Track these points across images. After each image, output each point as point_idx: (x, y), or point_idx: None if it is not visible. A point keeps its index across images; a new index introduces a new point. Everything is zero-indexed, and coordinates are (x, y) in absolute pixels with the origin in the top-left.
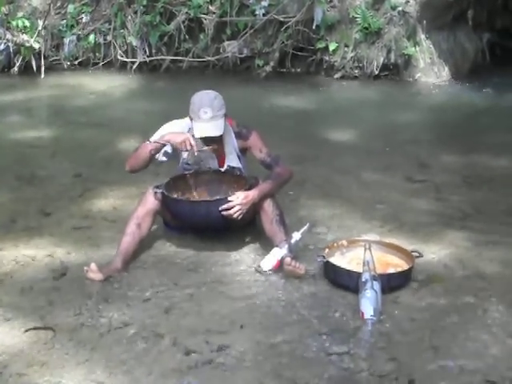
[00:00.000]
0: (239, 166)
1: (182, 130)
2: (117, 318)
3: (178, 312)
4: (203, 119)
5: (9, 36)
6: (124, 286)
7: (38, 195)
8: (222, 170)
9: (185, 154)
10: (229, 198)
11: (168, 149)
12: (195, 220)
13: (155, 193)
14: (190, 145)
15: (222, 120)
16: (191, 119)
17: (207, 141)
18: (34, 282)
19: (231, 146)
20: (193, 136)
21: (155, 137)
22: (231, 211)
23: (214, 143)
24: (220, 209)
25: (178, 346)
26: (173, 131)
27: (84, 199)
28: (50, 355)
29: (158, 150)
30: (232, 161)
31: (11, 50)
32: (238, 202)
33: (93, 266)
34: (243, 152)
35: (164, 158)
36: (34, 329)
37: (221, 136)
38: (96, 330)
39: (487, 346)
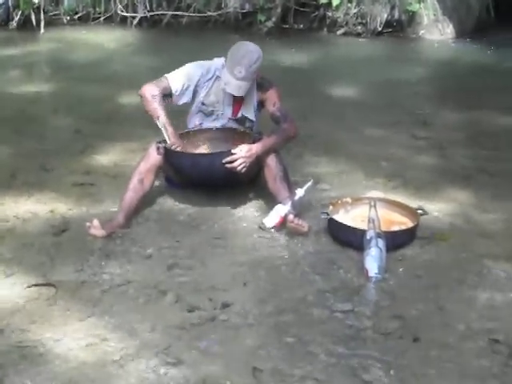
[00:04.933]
0: (252, 118)
1: (203, 72)
2: (119, 275)
3: (180, 269)
4: (234, 76)
5: None
6: (126, 242)
7: (39, 151)
8: (234, 118)
9: (203, 93)
10: (232, 151)
11: (189, 90)
12: (198, 173)
13: (158, 148)
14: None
15: (250, 83)
16: (223, 65)
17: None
18: (35, 238)
19: (251, 97)
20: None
21: (174, 74)
22: (234, 164)
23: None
24: (223, 161)
25: (180, 303)
26: (176, 135)
27: (85, 155)
28: (52, 311)
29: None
30: (248, 111)
31: (10, 4)
32: (241, 154)
33: (95, 222)
34: (260, 105)
35: (184, 100)
36: (36, 285)
37: None
38: (98, 286)
39: (492, 305)
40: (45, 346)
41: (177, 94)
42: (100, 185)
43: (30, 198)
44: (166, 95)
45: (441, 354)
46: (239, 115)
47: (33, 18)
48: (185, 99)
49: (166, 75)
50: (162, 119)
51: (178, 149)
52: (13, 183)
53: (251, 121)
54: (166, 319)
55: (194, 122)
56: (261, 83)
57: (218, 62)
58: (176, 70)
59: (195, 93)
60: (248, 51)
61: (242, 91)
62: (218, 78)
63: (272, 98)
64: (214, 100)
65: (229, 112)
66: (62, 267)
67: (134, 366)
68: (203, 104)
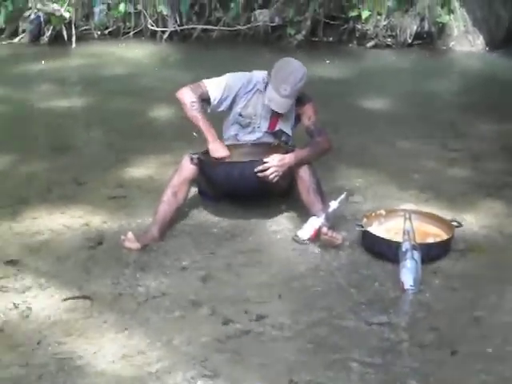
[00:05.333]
0: (289, 132)
1: (244, 82)
2: (154, 287)
3: (215, 281)
4: (280, 93)
5: (39, 5)
6: (161, 254)
7: (73, 165)
8: (270, 131)
9: (241, 104)
10: (264, 160)
11: (228, 100)
12: (230, 183)
13: (191, 158)
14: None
15: (294, 100)
16: (268, 81)
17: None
18: (71, 251)
19: (290, 111)
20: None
21: (213, 82)
22: (267, 172)
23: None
24: (255, 170)
25: (216, 315)
26: (220, 143)
27: (118, 168)
28: (89, 324)
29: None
30: (285, 126)
31: (42, 20)
32: (273, 163)
33: (130, 234)
34: (297, 119)
35: (221, 109)
36: (72, 298)
37: None
38: (134, 298)
39: None
40: (82, 358)
41: (215, 102)
42: (134, 198)
43: (64, 212)
44: (204, 100)
45: (479, 366)
46: (276, 129)
47: (64, 33)
48: (222, 108)
49: (204, 80)
50: (202, 125)
51: (221, 151)
52: (48, 197)
53: (287, 135)
54: (201, 331)
55: (230, 132)
56: (300, 98)
57: (259, 75)
58: (216, 78)
59: (233, 103)
60: (294, 69)
61: (285, 108)
62: (258, 90)
63: (308, 112)
64: (252, 112)
65: (265, 125)
66: (97, 280)
67: (171, 379)
68: (240, 115)
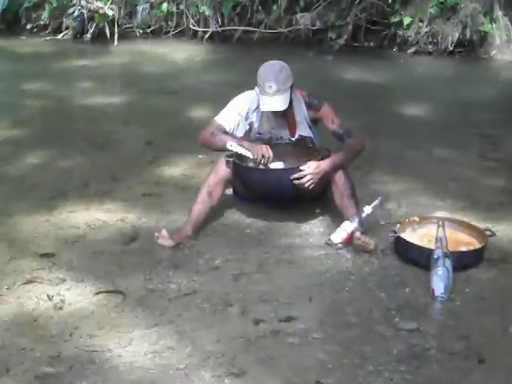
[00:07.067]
0: (310, 135)
1: (248, 103)
2: (186, 285)
3: (246, 281)
4: (268, 93)
5: (83, 3)
6: (194, 253)
7: (110, 161)
8: (293, 139)
9: (256, 123)
10: (300, 167)
11: (242, 124)
12: (266, 189)
13: (227, 161)
14: (268, 157)
15: (287, 93)
16: (258, 91)
17: (275, 113)
18: (106, 246)
19: (302, 115)
20: (268, 144)
21: (223, 115)
22: (303, 180)
23: (282, 115)
24: (291, 177)
25: (246, 315)
26: (260, 145)
27: (155, 166)
28: (120, 318)
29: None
30: (303, 130)
31: (85, 17)
32: (309, 171)
33: (164, 232)
34: (314, 122)
35: (241, 134)
36: (105, 292)
37: (287, 108)
38: (165, 295)
39: None
40: (112, 351)
41: (231, 131)
42: (169, 196)
43: (101, 207)
44: (223, 132)
45: (507, 376)
46: (297, 136)
47: (107, 30)
48: (241, 132)
49: (215, 118)
50: (233, 142)
51: (265, 150)
52: (85, 192)
53: (310, 138)
54: (231, 330)
55: None
56: (310, 102)
57: (254, 92)
58: (224, 110)
59: (250, 124)
60: (270, 66)
61: (280, 105)
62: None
63: (329, 115)
64: (269, 127)
65: (287, 134)
66: (130, 275)
67: (199, 375)
68: (259, 133)
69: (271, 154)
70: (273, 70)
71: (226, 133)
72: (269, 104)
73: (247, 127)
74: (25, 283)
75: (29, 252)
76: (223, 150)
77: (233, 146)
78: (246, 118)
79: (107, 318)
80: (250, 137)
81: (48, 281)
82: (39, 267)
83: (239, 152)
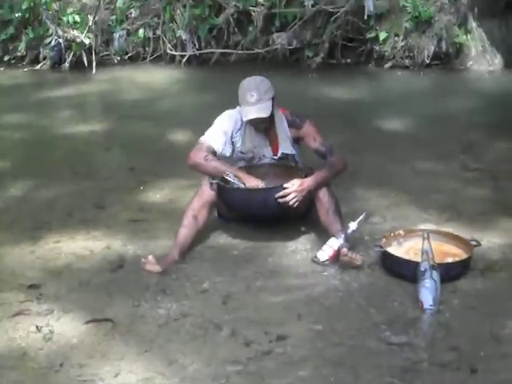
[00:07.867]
0: (293, 152)
1: (232, 122)
2: (175, 309)
3: (235, 303)
4: (250, 102)
5: (60, 32)
6: (182, 277)
7: (94, 189)
8: (276, 157)
9: (238, 143)
10: (284, 185)
11: (228, 144)
12: (251, 209)
13: (211, 184)
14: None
15: (269, 103)
16: (240, 105)
17: (258, 124)
18: (92, 274)
19: (284, 133)
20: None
21: (209, 134)
22: (287, 198)
23: (265, 127)
24: (276, 196)
25: (236, 337)
26: (252, 178)
27: (139, 192)
28: (110, 346)
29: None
30: (286, 148)
31: (62, 46)
32: (293, 188)
33: (150, 258)
34: (297, 141)
35: (227, 154)
36: (94, 321)
37: (270, 119)
38: (155, 321)
39: None
40: (103, 380)
41: (219, 151)
42: (154, 221)
43: (86, 235)
44: (212, 153)
45: None
46: (279, 154)
47: (84, 58)
48: (227, 153)
49: (201, 138)
50: (229, 171)
51: (254, 180)
52: (69, 221)
53: (293, 155)
54: (222, 353)
55: (237, 166)
56: (292, 120)
57: (236, 110)
58: (209, 130)
59: (233, 144)
60: (250, 78)
61: (263, 112)
62: (245, 123)
63: (310, 133)
64: (251, 146)
65: (269, 152)
66: (118, 302)
67: None
68: (242, 152)
69: (260, 182)
70: (254, 81)
71: (216, 156)
72: (251, 113)
73: (231, 146)
74: (13, 316)
75: (15, 284)
76: (215, 176)
77: (230, 176)
78: (231, 137)
79: (97, 347)
80: (232, 155)
81: (36, 312)
82: (27, 299)
83: (236, 183)
